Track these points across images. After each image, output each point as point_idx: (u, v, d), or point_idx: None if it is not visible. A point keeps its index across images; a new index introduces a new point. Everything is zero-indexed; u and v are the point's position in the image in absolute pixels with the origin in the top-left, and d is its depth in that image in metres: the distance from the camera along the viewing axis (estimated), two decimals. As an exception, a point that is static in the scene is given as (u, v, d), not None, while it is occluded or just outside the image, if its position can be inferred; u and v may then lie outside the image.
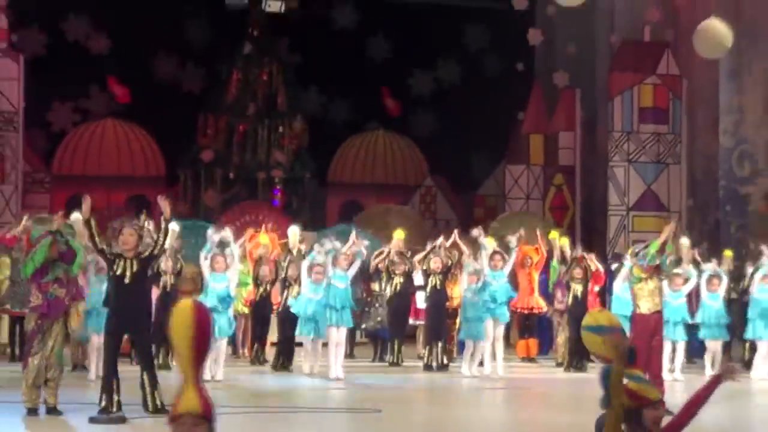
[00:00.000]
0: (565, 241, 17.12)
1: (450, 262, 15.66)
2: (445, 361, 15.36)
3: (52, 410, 10.17)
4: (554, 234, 17.27)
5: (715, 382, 6.37)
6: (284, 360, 15.17)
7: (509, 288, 15.00)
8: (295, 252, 15.23)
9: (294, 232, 15.50)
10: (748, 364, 15.62)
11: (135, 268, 10.47)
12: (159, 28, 24.75)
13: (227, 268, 13.96)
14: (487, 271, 14.56)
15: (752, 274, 15.93)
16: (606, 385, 5.29)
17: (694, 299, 16.12)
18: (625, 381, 5.29)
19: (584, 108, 23.49)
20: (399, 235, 16.66)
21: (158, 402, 10.09)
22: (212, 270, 13.90)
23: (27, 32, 23.23)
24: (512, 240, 15.26)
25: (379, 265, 16.43)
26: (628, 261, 13.14)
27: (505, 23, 24.09)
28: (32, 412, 10.17)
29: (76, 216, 11.95)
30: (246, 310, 16.13)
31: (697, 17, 19.77)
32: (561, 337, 16.55)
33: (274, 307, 15.93)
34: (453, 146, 25.75)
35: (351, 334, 16.31)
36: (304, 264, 14.50)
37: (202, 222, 19.23)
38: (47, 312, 10.16)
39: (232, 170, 23.68)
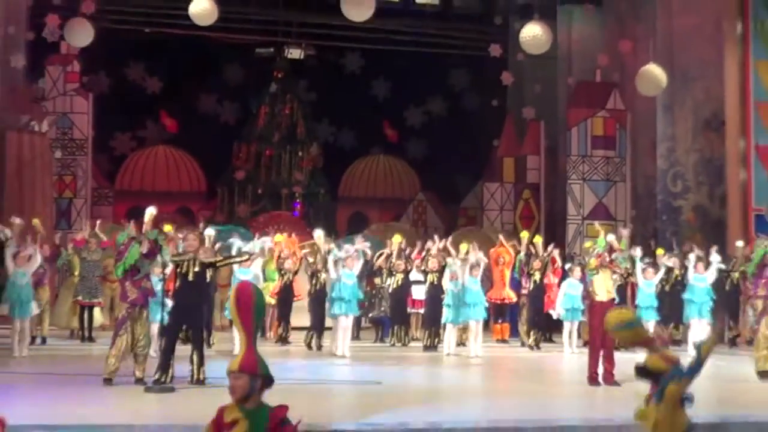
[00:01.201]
0: (538, 239, 17.24)
1: (445, 262, 15.73)
2: (437, 342, 15.43)
3: (139, 380, 10.14)
4: (525, 234, 17.37)
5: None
6: (315, 337, 15.19)
7: (482, 292, 14.95)
8: (323, 250, 15.15)
9: (319, 234, 15.48)
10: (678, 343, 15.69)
11: (197, 267, 10.53)
12: (201, 71, 24.84)
13: (251, 264, 14.03)
14: (468, 278, 14.59)
15: (686, 268, 16.00)
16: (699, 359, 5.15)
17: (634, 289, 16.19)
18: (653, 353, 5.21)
19: (547, 136, 23.46)
20: (397, 239, 16.79)
21: (202, 377, 10.15)
22: (240, 265, 13.95)
23: (95, 76, 23.30)
24: (480, 254, 15.25)
25: (381, 264, 16.51)
26: (581, 263, 13.04)
27: (483, 67, 24.16)
28: (108, 381, 10.15)
29: (150, 210, 12.05)
30: (272, 301, 16.14)
31: (638, 63, 19.84)
32: (523, 317, 16.61)
33: (296, 297, 16.04)
34: (440, 167, 25.76)
35: (357, 320, 16.33)
36: (330, 259, 14.53)
37: (235, 227, 19.37)
38: (143, 303, 10.34)
39: (260, 187, 23.69)
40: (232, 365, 4.77)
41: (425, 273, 15.76)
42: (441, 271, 15.49)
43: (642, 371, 5.14)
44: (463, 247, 15.74)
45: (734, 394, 10.75)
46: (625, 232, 13.79)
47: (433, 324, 15.50)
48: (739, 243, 16.16)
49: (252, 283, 5.50)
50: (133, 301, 10.29)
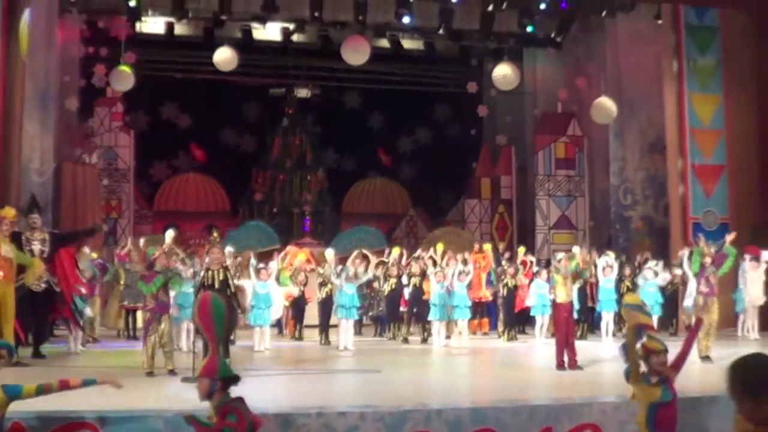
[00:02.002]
0: (521, 250, 17.50)
1: (426, 267, 15.78)
2: (426, 336, 15.44)
3: (171, 372, 10.24)
4: (487, 246, 17.41)
5: (697, 325, 6.35)
6: (324, 335, 15.24)
7: (467, 295, 14.99)
8: (332, 265, 15.19)
9: (330, 253, 15.52)
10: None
11: (221, 277, 10.59)
12: (224, 109, 24.87)
13: (269, 277, 14.08)
14: (456, 283, 14.60)
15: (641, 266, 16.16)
16: (624, 350, 5.34)
17: (594, 287, 16.23)
18: (645, 339, 5.32)
19: (518, 159, 23.54)
20: (396, 251, 16.87)
21: None
22: (258, 278, 13.99)
23: (135, 114, 23.36)
24: (459, 260, 15.28)
25: (378, 271, 16.55)
26: (550, 270, 13.09)
27: (462, 102, 24.27)
28: (150, 374, 10.24)
29: (169, 233, 12.28)
30: (286, 303, 16.17)
31: (592, 96, 19.98)
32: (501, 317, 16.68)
33: (307, 299, 16.09)
34: (428, 187, 25.76)
35: (359, 319, 16.37)
36: (343, 273, 14.61)
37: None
38: (162, 310, 10.57)
39: (275, 207, 23.64)
40: (203, 371, 4.79)
41: (409, 276, 15.81)
42: (422, 275, 15.59)
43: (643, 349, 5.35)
44: (439, 246, 15.86)
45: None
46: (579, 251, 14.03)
47: (416, 321, 15.55)
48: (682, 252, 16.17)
49: (211, 295, 5.41)
50: (152, 310, 10.47)
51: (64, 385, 5.45)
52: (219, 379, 4.86)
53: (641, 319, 5.59)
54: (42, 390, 5.42)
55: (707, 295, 12.29)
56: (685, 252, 13.47)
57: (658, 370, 5.30)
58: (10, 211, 11.89)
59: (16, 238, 12.01)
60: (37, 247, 12.12)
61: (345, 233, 20.45)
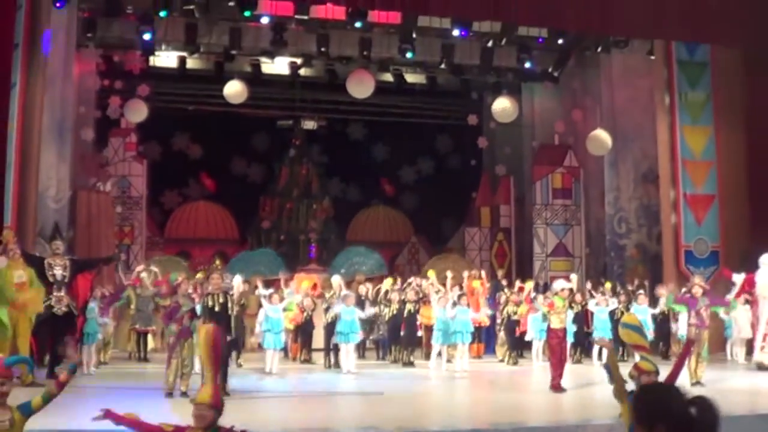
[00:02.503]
0: (529, 284, 17.09)
1: (421, 294, 15.85)
2: (412, 359, 15.46)
3: (184, 393, 10.32)
4: (476, 283, 17.43)
5: (687, 347, 6.34)
6: (328, 356, 15.26)
7: (469, 320, 15.05)
8: (337, 291, 15.25)
9: (336, 279, 15.56)
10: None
11: (221, 300, 10.65)
12: (234, 140, 24.96)
13: (281, 301, 14.14)
14: (457, 308, 14.65)
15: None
16: (608, 368, 5.35)
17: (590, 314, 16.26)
18: (638, 358, 5.32)
19: (516, 189, 23.55)
20: (388, 282, 16.89)
21: (226, 391, 10.17)
22: (270, 303, 14.05)
23: (148, 144, 23.44)
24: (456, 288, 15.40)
25: (380, 297, 16.61)
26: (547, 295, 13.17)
27: (463, 134, 24.28)
28: (169, 394, 10.33)
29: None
30: (291, 327, 16.16)
31: (588, 128, 20.12)
32: (500, 340, 16.68)
33: (314, 327, 16.13)
34: (429, 216, 25.79)
35: (362, 342, 16.39)
36: (340, 301, 14.71)
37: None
38: (186, 335, 10.74)
39: (282, 234, 23.71)
40: (202, 398, 4.77)
41: (404, 302, 15.81)
42: (417, 301, 15.66)
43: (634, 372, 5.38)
44: (431, 273, 15.94)
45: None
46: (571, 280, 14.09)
47: (408, 344, 15.56)
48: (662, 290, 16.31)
49: (220, 329, 5.52)
50: (177, 335, 10.52)
51: (60, 384, 5.49)
52: (221, 409, 4.90)
53: (637, 340, 5.60)
54: (47, 397, 5.46)
55: (698, 326, 12.33)
56: (664, 295, 13.67)
57: None
58: (8, 234, 11.97)
59: (37, 263, 12.14)
60: (59, 272, 12.26)
61: (342, 254, 20.35)
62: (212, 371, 4.88)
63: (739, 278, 14.67)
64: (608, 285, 16.84)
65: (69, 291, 12.27)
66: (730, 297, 13.85)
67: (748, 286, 14.58)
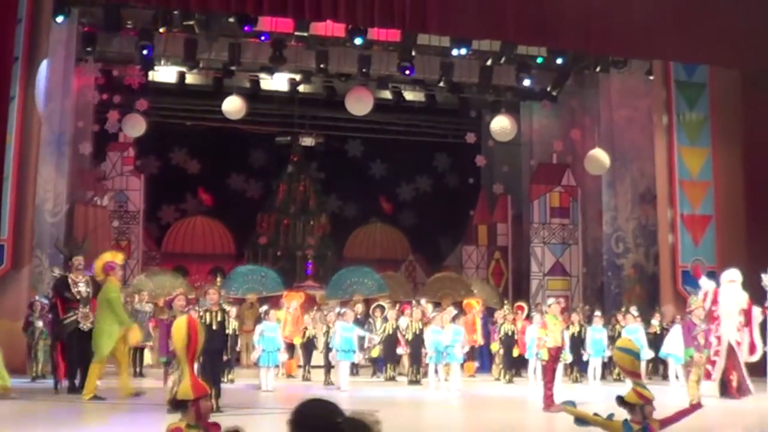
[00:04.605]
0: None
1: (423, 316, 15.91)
2: (419, 378, 15.50)
3: None
4: (472, 302, 17.48)
5: (694, 408, 6.27)
6: (327, 373, 15.31)
7: (462, 339, 15.10)
8: (335, 311, 15.38)
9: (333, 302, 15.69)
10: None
11: (219, 317, 10.65)
12: (232, 156, 25.03)
13: (277, 320, 14.18)
14: (453, 328, 14.71)
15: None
16: (582, 423, 5.33)
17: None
18: (634, 385, 5.29)
19: (514, 208, 23.69)
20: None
21: (218, 405, 10.13)
22: (267, 320, 14.08)
23: (146, 159, 23.53)
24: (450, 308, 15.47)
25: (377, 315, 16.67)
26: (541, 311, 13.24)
27: (461, 152, 24.40)
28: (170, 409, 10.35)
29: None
30: (298, 341, 16.25)
31: (586, 148, 20.24)
32: (498, 359, 16.72)
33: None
34: (427, 233, 25.86)
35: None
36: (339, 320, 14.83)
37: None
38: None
39: (279, 250, 23.70)
40: (184, 394, 4.51)
41: (410, 322, 15.87)
42: (423, 320, 15.71)
43: (620, 401, 5.27)
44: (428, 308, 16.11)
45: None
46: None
47: (415, 363, 15.59)
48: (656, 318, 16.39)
49: (196, 320, 5.32)
50: (171, 353, 10.59)
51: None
52: (209, 393, 4.81)
53: (630, 365, 5.57)
54: None
55: (696, 349, 12.34)
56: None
57: (642, 418, 5.23)
58: (117, 255, 12.57)
59: (61, 280, 12.26)
60: (83, 288, 12.28)
61: (342, 273, 20.17)
62: (189, 362, 4.77)
63: (706, 284, 14.05)
64: (599, 315, 16.77)
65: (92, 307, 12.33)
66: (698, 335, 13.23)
67: (713, 303, 14.04)
